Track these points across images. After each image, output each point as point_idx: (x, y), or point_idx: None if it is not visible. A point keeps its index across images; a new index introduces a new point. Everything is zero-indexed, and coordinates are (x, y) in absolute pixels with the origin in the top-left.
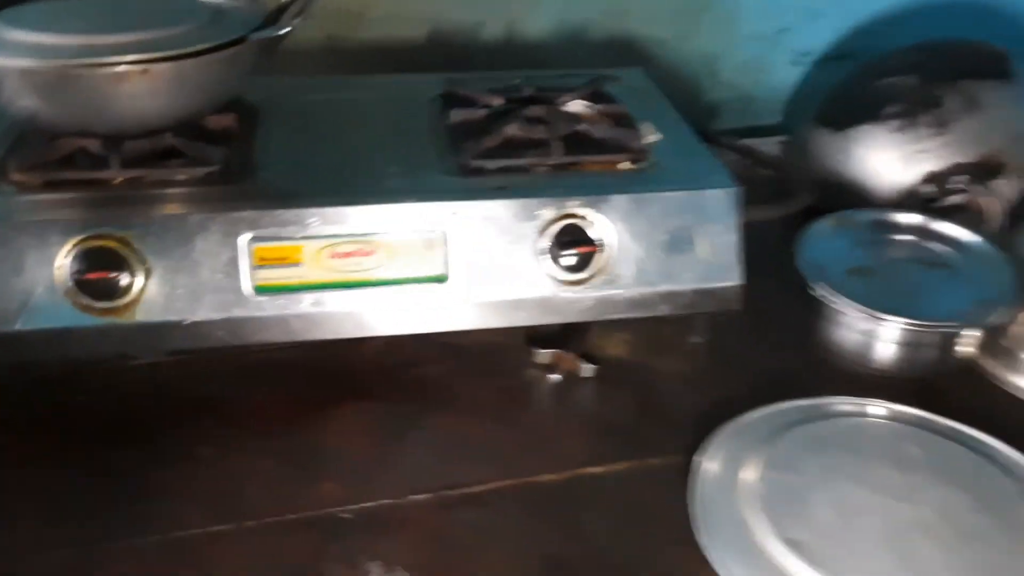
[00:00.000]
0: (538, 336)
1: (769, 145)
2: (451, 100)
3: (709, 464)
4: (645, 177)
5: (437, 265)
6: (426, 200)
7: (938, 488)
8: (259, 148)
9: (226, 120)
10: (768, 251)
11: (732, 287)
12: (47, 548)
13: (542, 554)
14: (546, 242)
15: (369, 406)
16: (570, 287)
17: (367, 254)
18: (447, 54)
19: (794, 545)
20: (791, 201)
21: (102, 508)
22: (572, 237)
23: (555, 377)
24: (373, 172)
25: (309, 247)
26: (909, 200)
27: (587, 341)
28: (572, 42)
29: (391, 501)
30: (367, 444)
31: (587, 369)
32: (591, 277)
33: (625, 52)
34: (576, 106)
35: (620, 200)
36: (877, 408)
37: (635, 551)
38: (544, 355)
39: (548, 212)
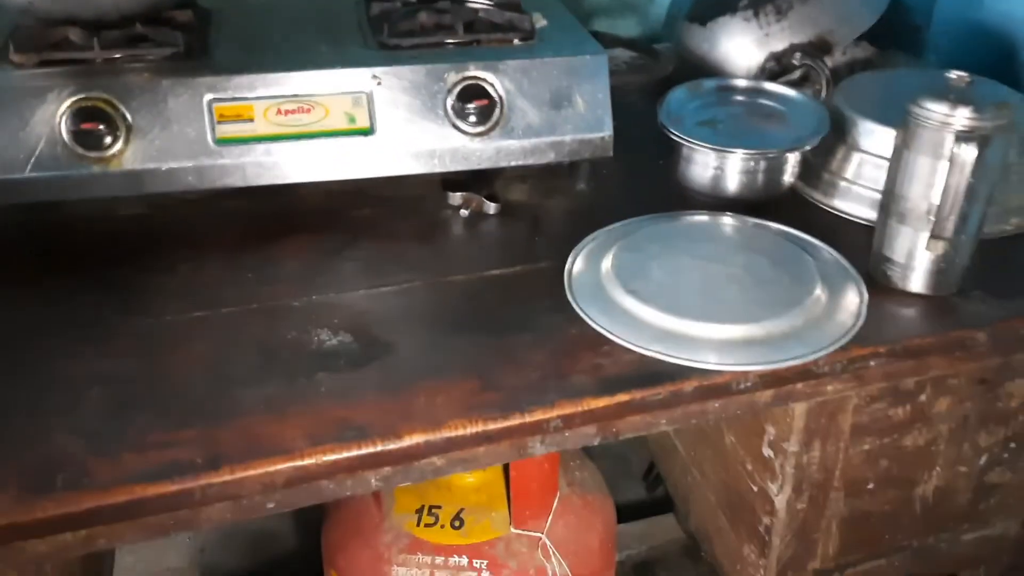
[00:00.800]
0: (451, 183)
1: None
2: None
3: (580, 259)
4: (532, 49)
5: (364, 120)
6: (353, 66)
7: (747, 255)
8: (213, 37)
9: (184, 15)
10: (639, 112)
11: (604, 136)
12: (46, 331)
13: (450, 321)
14: (452, 99)
15: (313, 236)
16: (475, 138)
17: (306, 111)
18: None
19: (633, 292)
20: (656, 69)
21: (99, 302)
22: (474, 94)
23: (464, 213)
24: (309, 50)
25: (259, 106)
26: (759, 76)
27: (493, 186)
28: None
29: (331, 295)
30: (312, 259)
31: (492, 207)
32: (491, 129)
33: None
34: (478, 3)
35: (511, 65)
36: (714, 215)
37: (524, 316)
38: (456, 197)
39: (453, 76)
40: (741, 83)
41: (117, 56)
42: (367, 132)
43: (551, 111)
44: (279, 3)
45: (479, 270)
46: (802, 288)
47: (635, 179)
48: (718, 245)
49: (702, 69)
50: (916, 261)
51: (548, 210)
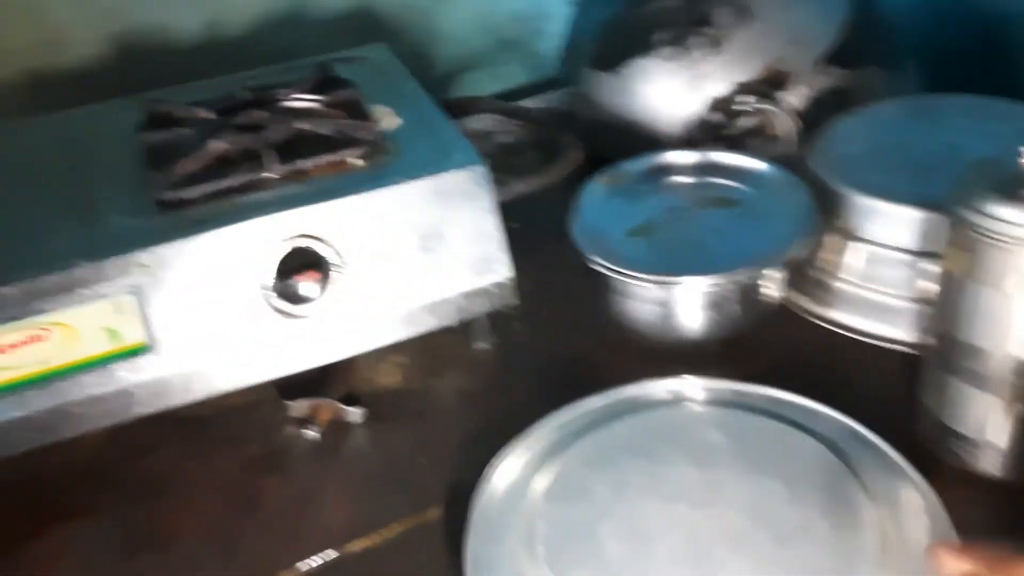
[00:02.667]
0: (291, 385)
1: (557, 99)
2: (151, 121)
3: (486, 507)
4: (378, 172)
5: (135, 332)
6: (104, 256)
7: (747, 482)
8: None
9: None
10: (546, 225)
11: (502, 280)
12: None
13: None
14: (268, 276)
15: (85, 525)
16: (310, 322)
17: (40, 339)
18: (150, 70)
19: None
20: (560, 164)
21: None
22: (298, 261)
23: (313, 433)
24: (41, 235)
25: None
26: (699, 134)
27: (351, 378)
28: (300, 25)
29: None
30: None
31: (354, 413)
32: (333, 305)
33: (369, 27)
34: (301, 102)
35: (346, 204)
36: (672, 386)
37: None
38: (299, 407)
39: (263, 239)
40: (677, 157)
41: None
42: (142, 350)
43: (419, 259)
44: (29, 143)
45: (334, 542)
46: (850, 533)
47: (550, 321)
48: (696, 463)
49: (620, 131)
50: (996, 435)
51: (436, 398)
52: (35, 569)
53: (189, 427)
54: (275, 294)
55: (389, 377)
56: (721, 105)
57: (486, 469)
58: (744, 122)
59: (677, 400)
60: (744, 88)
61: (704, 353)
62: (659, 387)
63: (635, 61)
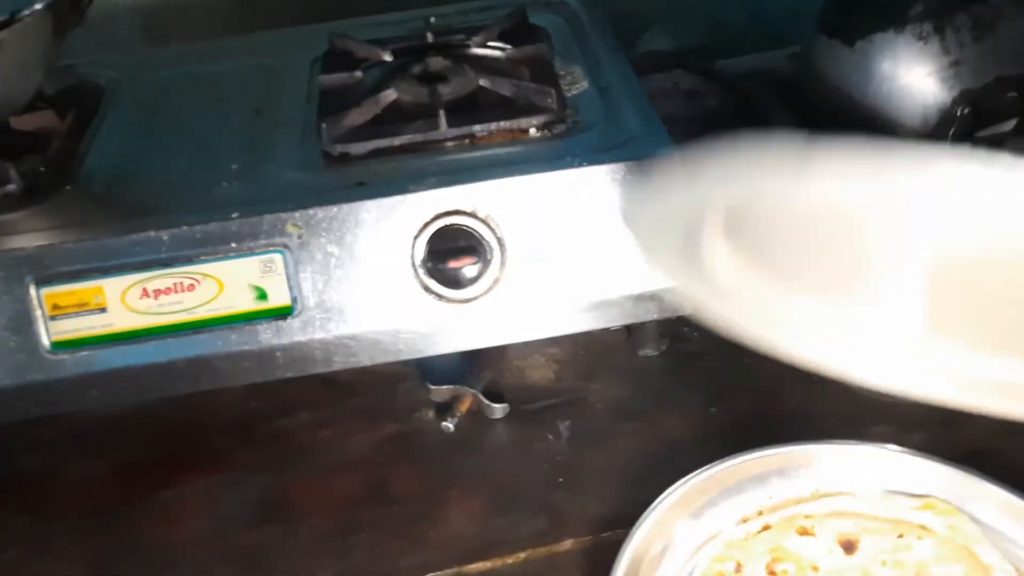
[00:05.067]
0: (435, 367)
1: (778, 60)
2: (331, 58)
3: (635, 556)
4: (557, 148)
5: (280, 294)
6: (258, 212)
7: None
8: (89, 150)
9: (41, 119)
10: None
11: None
12: None
13: None
14: (421, 251)
15: (216, 483)
16: (459, 306)
17: (188, 289)
18: None
19: None
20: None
21: None
22: (455, 242)
23: (449, 426)
24: (207, 175)
25: (111, 287)
26: (942, 129)
27: (498, 368)
28: None
29: None
30: (206, 534)
31: (495, 409)
32: (486, 292)
33: None
34: (486, 50)
35: (518, 184)
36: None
37: None
38: (441, 393)
39: (422, 211)
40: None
41: None
42: (286, 312)
43: (588, 253)
44: (209, 69)
45: (454, 559)
46: None
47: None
48: None
49: (844, 112)
50: None
51: (589, 409)
52: (162, 519)
53: (330, 391)
54: (427, 273)
55: (539, 372)
56: (975, 98)
57: (643, 513)
58: (1003, 125)
59: None
60: (1008, 81)
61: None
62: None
63: (880, 35)
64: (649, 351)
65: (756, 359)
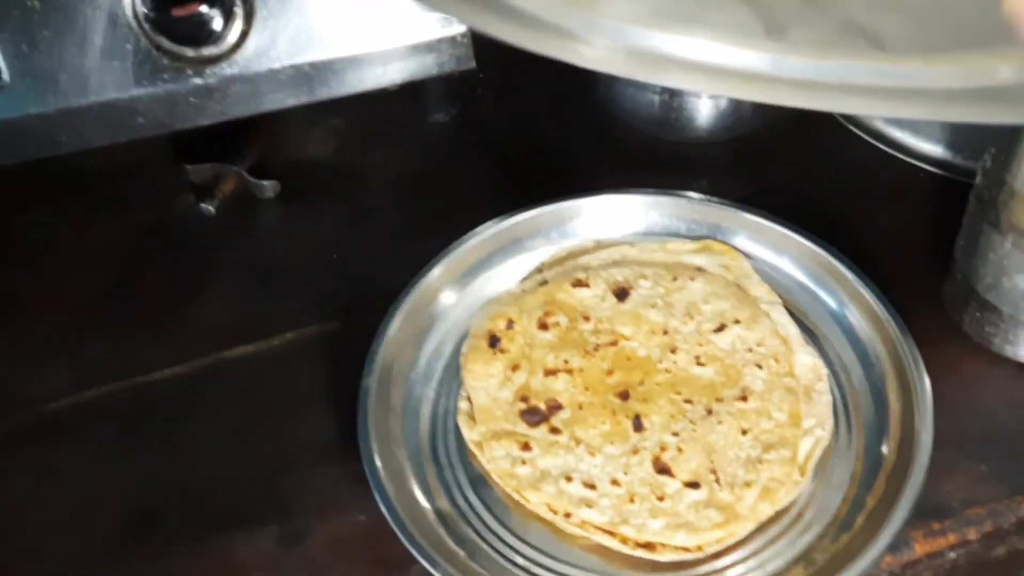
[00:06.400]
0: (192, 147)
1: None
2: None
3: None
4: None
5: None
6: None
7: None
8: None
9: None
10: None
11: (457, 37)
12: None
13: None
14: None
15: None
16: (202, 68)
17: None
18: None
19: None
20: None
21: None
22: None
23: (209, 208)
24: None
25: None
26: None
27: (269, 144)
28: None
29: None
30: None
31: (263, 187)
32: (232, 49)
33: None
34: None
35: None
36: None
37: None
38: (199, 172)
39: None
40: None
41: None
42: None
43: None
44: None
45: (212, 345)
46: None
47: (529, 105)
48: None
49: None
50: None
51: (370, 181)
52: None
53: (71, 180)
54: (153, 27)
55: (318, 147)
56: None
57: (410, 281)
58: None
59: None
60: None
61: (704, 157)
62: (640, 201)
63: None
64: (439, 116)
65: (548, 121)
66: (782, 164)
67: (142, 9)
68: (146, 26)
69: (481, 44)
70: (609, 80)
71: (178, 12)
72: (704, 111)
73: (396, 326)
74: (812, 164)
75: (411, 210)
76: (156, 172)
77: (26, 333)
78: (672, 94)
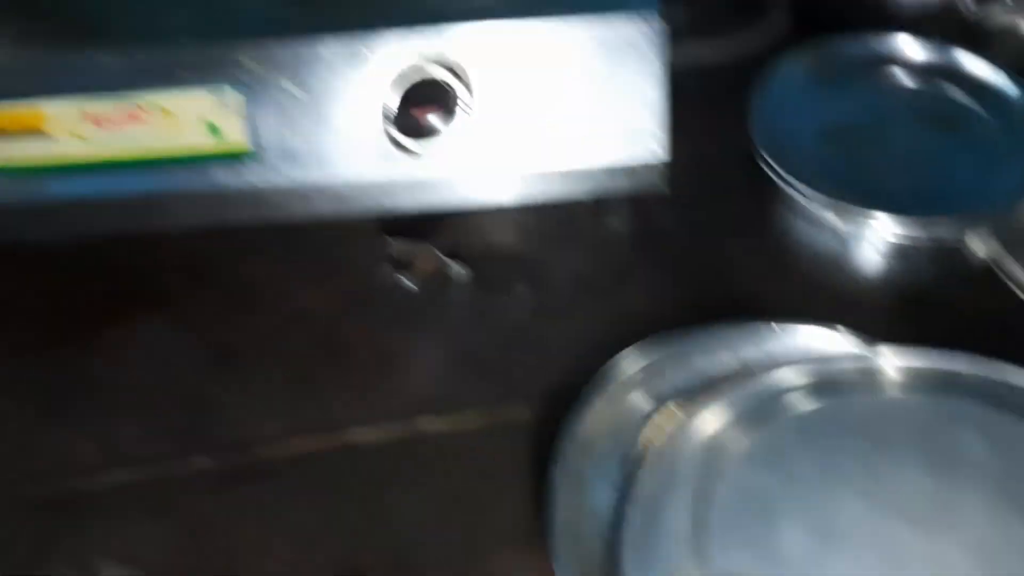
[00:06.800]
0: (396, 226)
1: None
2: None
3: (586, 424)
4: None
5: (237, 133)
6: (211, 41)
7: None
8: None
9: None
10: (721, 100)
11: (652, 161)
12: None
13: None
14: (388, 98)
15: (159, 323)
16: (427, 160)
17: (135, 119)
18: None
19: None
20: (758, 28)
21: None
22: (425, 91)
23: (409, 281)
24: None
25: (54, 111)
26: (938, 21)
27: (462, 231)
28: None
29: (149, 473)
30: (155, 378)
31: (456, 270)
32: (455, 148)
33: None
34: None
35: (492, 32)
36: (863, 352)
37: (461, 545)
38: (400, 247)
39: (393, 54)
40: (908, 47)
41: None
42: (243, 154)
43: (560, 114)
44: None
45: (407, 414)
46: None
47: (706, 226)
48: (928, 471)
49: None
50: None
51: (550, 277)
52: (110, 359)
53: (284, 238)
54: (393, 123)
55: (503, 237)
56: None
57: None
58: (1000, 18)
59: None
60: None
61: (876, 307)
62: (835, 341)
63: None
64: (616, 225)
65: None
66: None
67: (390, 107)
68: (389, 121)
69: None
70: (786, 212)
71: (415, 111)
72: (874, 267)
73: (586, 419)
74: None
75: (593, 308)
76: (360, 241)
77: (242, 381)
78: (844, 241)
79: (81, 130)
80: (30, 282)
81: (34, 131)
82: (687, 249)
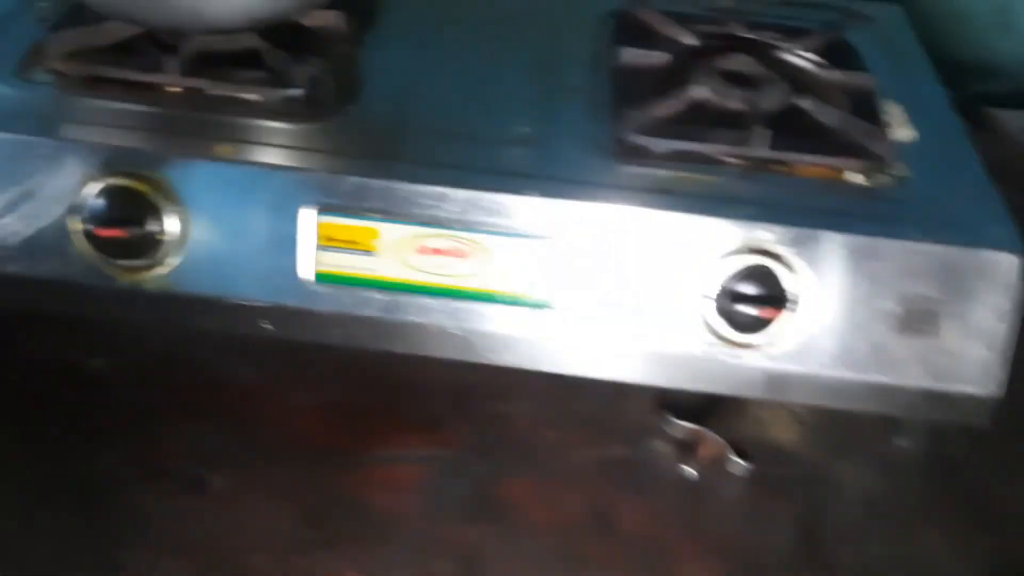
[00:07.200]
0: (675, 403)
1: None
2: (626, 27)
3: None
4: (883, 206)
5: (543, 281)
6: (552, 193)
7: None
8: (365, 63)
9: (328, 17)
10: None
11: (982, 396)
12: None
13: None
14: (711, 282)
15: (428, 455)
16: (738, 350)
17: (461, 255)
18: None
19: None
20: None
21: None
22: (751, 282)
23: (691, 469)
24: (493, 132)
25: (388, 233)
26: None
27: (741, 420)
28: None
29: None
30: (421, 516)
31: (739, 465)
32: (771, 343)
33: None
34: (802, 61)
35: (838, 241)
36: None
37: None
38: (681, 428)
39: (728, 240)
40: None
41: (199, 85)
42: (543, 304)
43: (889, 334)
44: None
45: None
46: None
47: (1012, 463)
48: None
49: None
50: None
51: (838, 490)
52: (378, 485)
53: (552, 386)
54: (713, 307)
55: (783, 431)
56: None
57: None
58: None
59: None
60: None
61: None
62: None
63: None
64: (905, 443)
65: None
66: None
67: (710, 290)
68: (718, 314)
69: None
70: None
71: (741, 306)
72: None
73: None
74: None
75: (879, 545)
76: (633, 408)
77: (515, 536)
78: None
79: (408, 256)
80: (307, 379)
81: (365, 248)
82: (992, 491)
